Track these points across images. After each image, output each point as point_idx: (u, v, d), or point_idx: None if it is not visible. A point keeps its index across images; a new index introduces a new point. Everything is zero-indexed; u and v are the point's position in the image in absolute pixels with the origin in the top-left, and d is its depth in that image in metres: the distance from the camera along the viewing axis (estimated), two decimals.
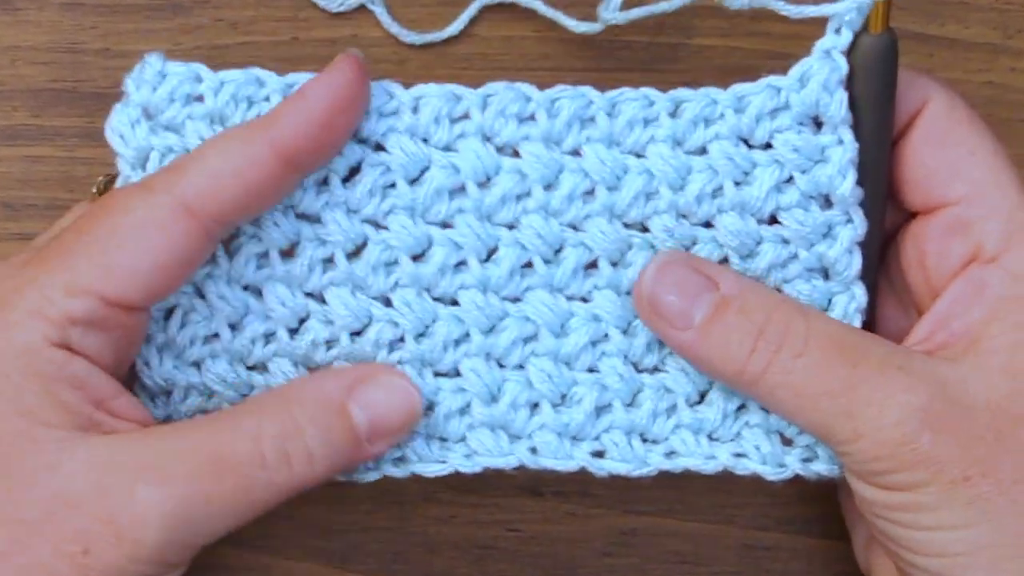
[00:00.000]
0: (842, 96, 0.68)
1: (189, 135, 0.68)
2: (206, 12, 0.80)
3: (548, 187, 0.69)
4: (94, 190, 0.73)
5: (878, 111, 0.68)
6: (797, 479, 0.77)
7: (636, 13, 0.71)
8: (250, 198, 0.65)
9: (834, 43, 0.68)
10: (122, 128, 0.68)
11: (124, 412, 0.65)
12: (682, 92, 0.69)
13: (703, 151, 0.69)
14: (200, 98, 0.68)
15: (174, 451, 0.63)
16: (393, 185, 0.69)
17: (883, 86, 0.68)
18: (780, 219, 0.70)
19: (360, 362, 0.70)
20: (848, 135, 0.68)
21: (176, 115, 0.68)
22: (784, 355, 0.65)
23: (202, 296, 0.70)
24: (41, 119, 0.80)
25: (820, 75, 0.68)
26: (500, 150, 0.70)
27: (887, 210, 0.71)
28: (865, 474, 0.66)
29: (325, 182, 0.69)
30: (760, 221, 0.70)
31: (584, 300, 0.71)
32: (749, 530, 0.81)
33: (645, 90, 0.69)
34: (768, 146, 0.69)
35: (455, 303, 0.70)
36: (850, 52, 0.68)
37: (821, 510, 0.81)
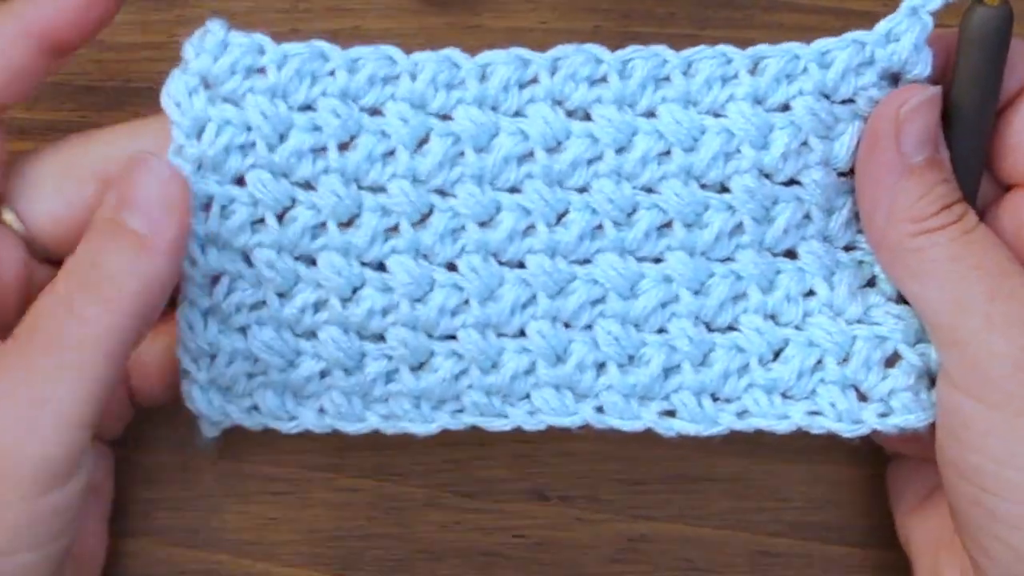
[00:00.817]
0: (928, 55, 0.68)
1: (249, 109, 0.68)
2: (204, 3, 0.79)
3: (620, 150, 0.69)
4: None
5: (984, 82, 0.67)
6: (810, 485, 0.79)
7: None
8: (8, 84, 0.65)
9: (924, 3, 0.68)
10: (179, 95, 0.68)
11: None
12: (762, 48, 0.69)
13: (785, 108, 0.69)
14: (262, 71, 0.68)
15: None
16: (462, 154, 0.69)
17: (993, 58, 0.67)
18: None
19: (417, 329, 0.70)
20: None
21: (237, 87, 0.68)
22: (959, 226, 0.66)
23: (250, 263, 0.70)
24: (33, 112, 0.79)
25: (911, 33, 0.68)
26: (571, 114, 0.70)
27: (982, 181, 0.71)
28: (971, 382, 0.65)
29: (392, 154, 0.69)
30: (841, 175, 0.70)
31: (656, 261, 0.70)
32: (761, 536, 0.80)
33: (722, 47, 0.69)
34: (849, 101, 0.69)
35: (522, 266, 0.70)
36: (963, 22, 0.67)
37: (837, 516, 0.80)
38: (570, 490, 0.80)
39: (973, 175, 0.70)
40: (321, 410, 0.71)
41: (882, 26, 0.68)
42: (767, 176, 0.70)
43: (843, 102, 0.69)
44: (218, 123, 0.68)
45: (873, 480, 0.79)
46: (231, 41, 0.68)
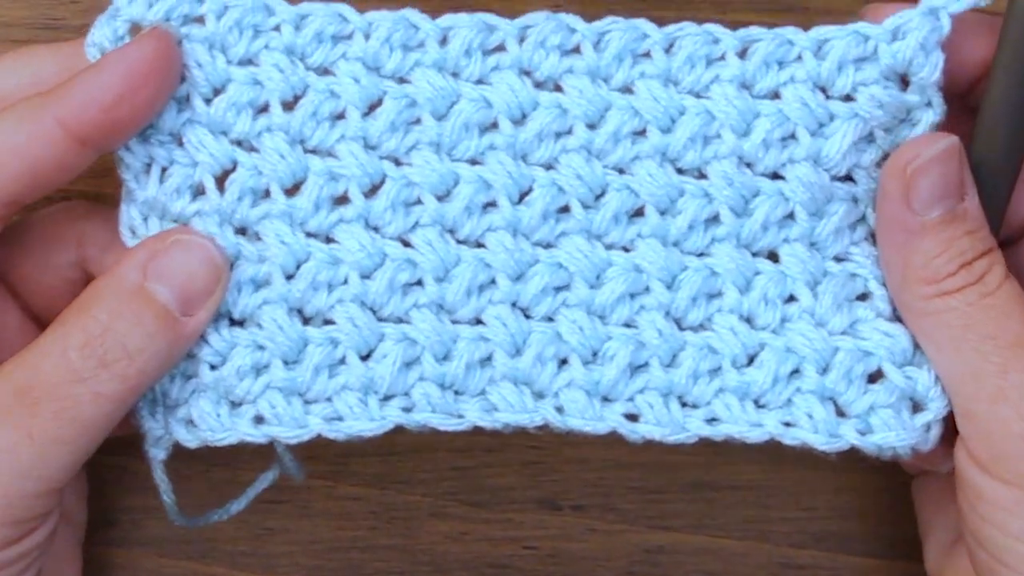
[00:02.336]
0: (939, 59, 0.65)
1: (185, 58, 0.65)
2: None
3: (592, 126, 0.67)
4: None
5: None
6: (835, 494, 0.78)
7: None
8: (36, 178, 0.63)
9: (947, 3, 0.65)
10: (105, 43, 0.65)
11: None
12: (754, 31, 0.66)
13: (774, 96, 0.67)
14: (200, 20, 0.66)
15: None
16: (418, 120, 0.67)
17: None
18: (854, 176, 0.67)
19: (366, 307, 0.67)
20: (938, 98, 0.66)
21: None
22: (977, 288, 0.63)
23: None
24: None
25: (919, 31, 0.65)
26: (539, 85, 0.67)
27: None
28: (984, 455, 0.63)
29: (341, 116, 0.66)
30: (833, 177, 0.67)
31: (625, 249, 0.67)
32: (784, 547, 0.79)
33: (709, 26, 0.66)
34: (848, 98, 0.67)
35: (481, 246, 0.67)
36: (1005, 24, 0.64)
37: (861, 527, 0.79)
38: (583, 499, 0.79)
39: (1002, 196, 0.67)
40: (258, 418, 0.67)
41: (890, 21, 0.65)
42: (748, 166, 0.67)
43: (842, 99, 0.66)
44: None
45: (901, 489, 0.77)
46: None
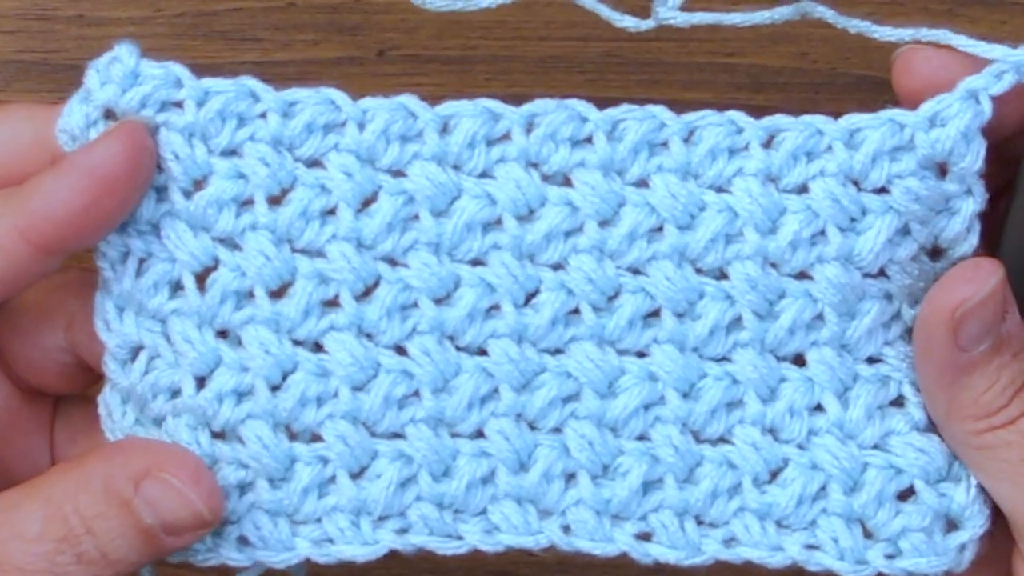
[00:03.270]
0: (981, 146, 0.62)
1: (162, 148, 0.62)
2: None
3: (604, 223, 0.63)
4: None
5: None
6: None
7: (699, 18, 0.65)
8: None
9: (988, 85, 0.61)
10: (76, 128, 0.61)
11: None
12: (779, 119, 0.63)
13: (802, 190, 0.63)
14: (179, 104, 0.62)
15: None
16: (416, 218, 0.63)
17: None
18: (887, 272, 0.64)
19: (359, 423, 0.63)
20: (979, 187, 0.63)
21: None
22: None
23: (168, 339, 0.63)
24: (7, 94, 0.77)
25: (960, 119, 0.62)
26: (547, 179, 0.63)
27: None
28: None
29: (332, 212, 0.63)
30: (867, 275, 0.64)
31: (639, 355, 0.64)
32: None
33: (732, 114, 0.63)
34: (882, 190, 0.63)
35: (483, 353, 0.64)
36: None
37: None
38: None
39: None
40: (242, 539, 0.64)
41: (927, 107, 0.62)
42: (773, 266, 0.63)
43: (875, 191, 0.63)
44: None
45: None
46: (143, 71, 0.62)
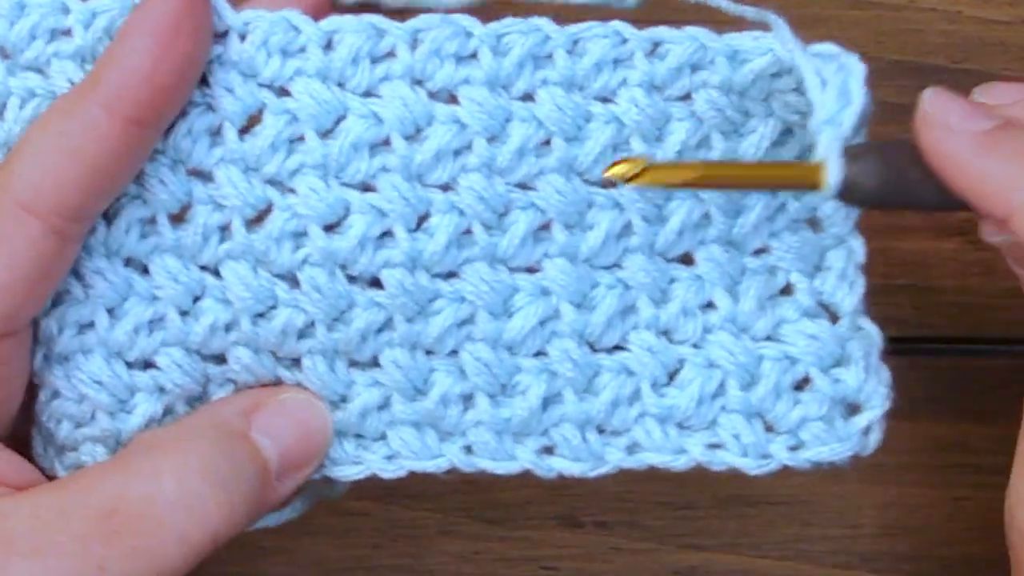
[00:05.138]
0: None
1: (56, 76, 0.61)
2: None
3: (492, 139, 0.62)
4: None
5: None
6: (883, 510, 0.75)
7: None
8: (98, 178, 0.58)
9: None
10: None
11: (1, 474, 0.58)
12: (663, 31, 0.63)
13: (685, 98, 0.64)
14: (68, 32, 0.61)
15: (54, 511, 0.55)
16: (301, 139, 0.62)
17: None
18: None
19: (259, 370, 0.63)
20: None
21: (39, 54, 0.61)
22: None
23: (76, 274, 0.62)
24: None
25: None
26: (434, 96, 0.62)
27: None
28: None
29: (219, 132, 0.62)
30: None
31: (530, 271, 0.64)
32: (828, 568, 0.76)
33: (616, 24, 0.63)
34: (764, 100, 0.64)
35: (376, 283, 0.63)
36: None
37: (913, 545, 0.76)
38: (607, 515, 0.77)
39: None
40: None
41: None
42: None
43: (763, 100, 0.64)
44: (21, 95, 0.61)
45: (955, 503, 0.76)
46: (28, 2, 0.61)
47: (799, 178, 0.60)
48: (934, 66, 0.76)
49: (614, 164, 0.60)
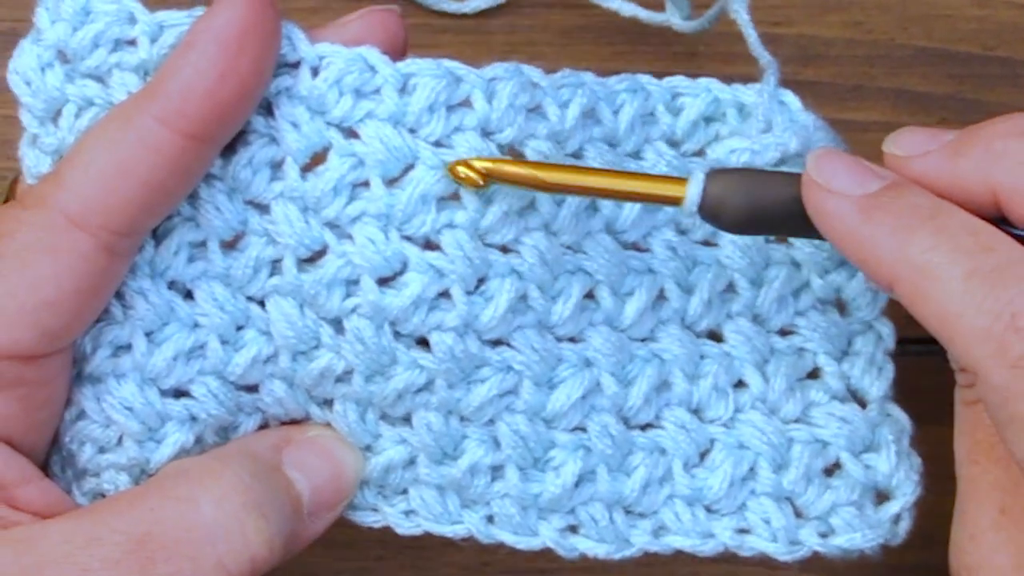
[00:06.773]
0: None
1: (116, 88, 0.59)
2: None
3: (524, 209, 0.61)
4: None
5: None
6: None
7: None
8: (152, 193, 0.56)
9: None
10: (29, 72, 0.60)
11: (31, 502, 0.57)
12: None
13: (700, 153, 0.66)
14: (133, 43, 0.59)
15: (85, 537, 0.54)
16: (366, 184, 0.60)
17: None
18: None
19: (291, 404, 0.63)
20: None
21: (101, 63, 0.60)
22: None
23: (116, 293, 0.61)
24: None
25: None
26: (501, 149, 0.61)
27: None
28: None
29: (280, 166, 0.60)
30: (769, 241, 0.65)
31: (571, 341, 0.63)
32: None
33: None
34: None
35: (423, 343, 0.61)
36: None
37: (938, 555, 0.70)
38: None
39: None
40: None
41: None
42: (683, 233, 0.64)
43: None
44: (78, 103, 0.59)
45: None
46: (94, 8, 0.59)
47: (662, 192, 0.59)
48: (965, 53, 0.75)
49: (459, 163, 0.58)
